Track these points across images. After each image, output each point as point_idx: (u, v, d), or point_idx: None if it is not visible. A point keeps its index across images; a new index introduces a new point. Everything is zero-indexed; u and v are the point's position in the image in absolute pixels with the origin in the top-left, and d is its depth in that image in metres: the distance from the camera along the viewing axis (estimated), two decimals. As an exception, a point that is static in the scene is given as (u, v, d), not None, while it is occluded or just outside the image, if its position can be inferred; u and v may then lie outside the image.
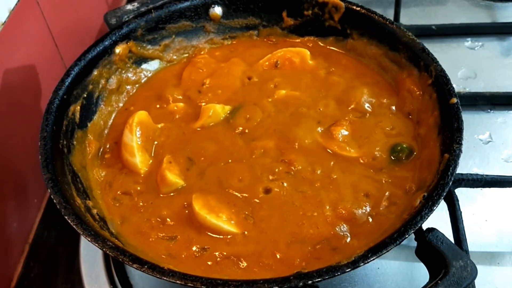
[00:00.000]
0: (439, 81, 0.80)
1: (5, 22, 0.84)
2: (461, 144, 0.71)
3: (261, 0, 0.97)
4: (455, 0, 1.24)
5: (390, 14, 1.14)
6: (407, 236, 0.63)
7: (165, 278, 0.59)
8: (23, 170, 0.91)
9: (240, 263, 0.70)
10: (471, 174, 0.81)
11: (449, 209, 0.80)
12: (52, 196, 0.67)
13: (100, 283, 0.80)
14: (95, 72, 0.86)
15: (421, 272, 0.77)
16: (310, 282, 0.59)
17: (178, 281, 0.59)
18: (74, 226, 0.64)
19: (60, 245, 0.90)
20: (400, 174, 0.78)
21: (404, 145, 0.81)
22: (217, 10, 0.97)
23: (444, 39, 1.13)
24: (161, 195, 0.77)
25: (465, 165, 0.91)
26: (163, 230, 0.73)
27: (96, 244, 0.62)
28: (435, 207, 0.66)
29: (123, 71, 0.91)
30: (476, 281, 0.72)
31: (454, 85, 1.01)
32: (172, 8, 0.94)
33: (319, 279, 0.59)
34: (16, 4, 0.87)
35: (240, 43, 1.00)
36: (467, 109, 0.98)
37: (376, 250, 0.62)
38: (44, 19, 0.97)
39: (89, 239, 0.63)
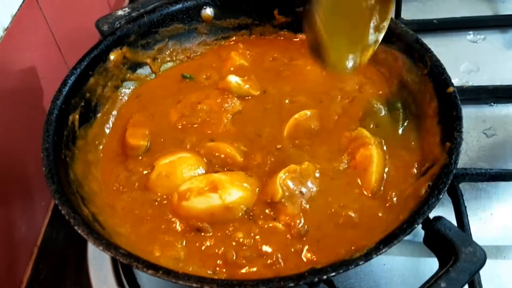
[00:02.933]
0: (435, 71, 0.80)
1: (8, 27, 0.85)
2: (461, 132, 0.71)
3: (252, 0, 0.98)
4: (456, -6, 1.24)
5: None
6: (416, 226, 0.63)
7: (181, 282, 0.60)
8: (29, 174, 0.92)
9: None
10: (475, 169, 0.81)
11: (453, 204, 0.80)
12: (60, 208, 0.67)
13: (108, 284, 0.81)
14: (91, 80, 0.86)
15: (427, 267, 0.78)
16: (325, 277, 0.59)
17: (194, 284, 0.59)
18: (85, 236, 0.64)
19: (68, 247, 0.90)
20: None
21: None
22: (209, 11, 0.97)
23: (446, 33, 1.13)
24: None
25: (469, 159, 0.91)
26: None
27: (109, 253, 0.63)
28: (441, 196, 0.66)
29: (119, 78, 0.92)
30: (482, 275, 0.73)
31: (456, 79, 1.03)
32: (164, 11, 0.94)
33: (334, 274, 0.60)
34: (18, 9, 0.87)
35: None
36: (471, 102, 0.98)
37: (387, 241, 0.62)
38: (47, 23, 0.97)
39: (101, 248, 0.63)
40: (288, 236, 0.72)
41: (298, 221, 0.73)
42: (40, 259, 0.90)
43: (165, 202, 0.77)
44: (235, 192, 0.74)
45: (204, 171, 0.79)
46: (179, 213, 0.75)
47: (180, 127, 0.87)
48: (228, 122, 0.87)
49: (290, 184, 0.75)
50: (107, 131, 0.88)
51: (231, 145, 0.82)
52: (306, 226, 0.72)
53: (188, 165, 0.79)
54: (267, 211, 0.75)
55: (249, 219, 0.74)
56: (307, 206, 0.74)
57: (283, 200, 0.73)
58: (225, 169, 0.80)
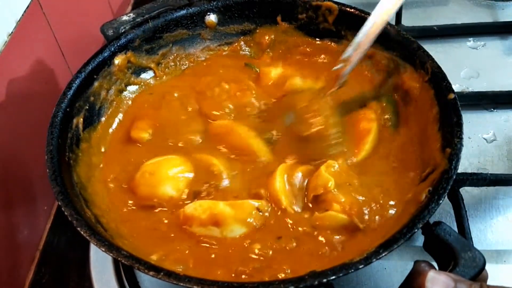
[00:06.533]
0: (436, 78, 0.81)
1: (12, 32, 0.86)
2: (461, 138, 0.72)
3: (256, 6, 0.98)
4: (457, 0, 1.24)
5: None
6: (415, 230, 0.64)
7: (182, 284, 0.60)
8: (33, 178, 0.93)
9: None
10: (475, 173, 0.82)
11: (454, 209, 0.80)
12: (63, 209, 0.67)
13: (110, 287, 0.81)
14: (96, 84, 0.87)
15: (428, 271, 0.78)
16: (325, 280, 0.60)
17: (195, 286, 0.59)
18: (87, 237, 0.65)
19: (71, 251, 0.91)
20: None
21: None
22: (213, 18, 0.98)
23: (446, 40, 1.14)
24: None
25: (469, 164, 0.92)
26: None
27: (111, 254, 0.63)
28: (441, 201, 0.66)
29: (123, 82, 0.92)
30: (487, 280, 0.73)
31: (457, 85, 1.04)
32: (169, 17, 0.95)
33: (334, 277, 0.60)
34: (22, 15, 0.88)
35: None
36: (471, 108, 0.99)
37: (387, 245, 0.63)
38: (51, 28, 0.98)
39: (103, 249, 0.63)
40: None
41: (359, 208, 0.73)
42: (42, 263, 0.91)
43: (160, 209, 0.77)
44: (237, 229, 0.73)
45: (191, 174, 0.79)
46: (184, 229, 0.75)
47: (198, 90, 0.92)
48: (233, 112, 0.89)
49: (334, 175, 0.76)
50: (112, 134, 0.89)
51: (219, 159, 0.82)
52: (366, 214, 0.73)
53: (173, 166, 0.79)
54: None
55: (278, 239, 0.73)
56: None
57: (334, 190, 0.74)
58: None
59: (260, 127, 0.86)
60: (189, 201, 0.77)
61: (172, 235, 0.74)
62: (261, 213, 0.74)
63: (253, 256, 0.71)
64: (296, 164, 0.80)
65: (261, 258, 0.70)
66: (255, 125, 0.87)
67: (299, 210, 0.76)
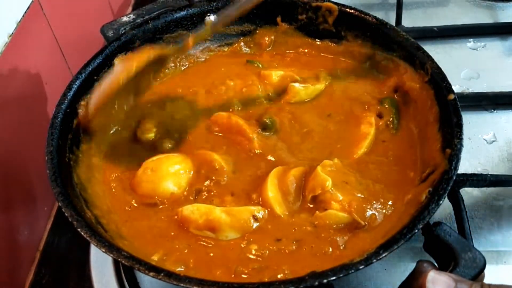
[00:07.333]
0: (436, 79, 0.81)
1: (12, 33, 0.86)
2: (461, 138, 0.72)
3: (256, 7, 0.98)
4: (457, 1, 1.24)
5: (392, 17, 1.15)
6: (416, 231, 0.64)
7: (182, 285, 0.60)
8: (33, 179, 0.93)
9: None
10: (475, 174, 0.82)
11: (454, 209, 0.80)
12: (63, 210, 0.67)
13: (110, 288, 0.81)
14: (96, 85, 0.86)
15: (428, 272, 0.78)
16: (325, 281, 0.60)
17: (195, 287, 0.60)
18: (88, 238, 0.65)
19: (71, 251, 0.91)
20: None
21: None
22: (213, 18, 0.97)
23: (446, 41, 1.14)
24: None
25: (470, 165, 0.92)
26: None
27: (111, 255, 0.63)
28: (441, 202, 0.67)
29: None
30: (483, 280, 0.73)
31: (457, 86, 1.04)
32: (169, 18, 0.95)
33: (334, 278, 0.60)
34: (23, 16, 0.88)
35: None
36: (471, 109, 0.99)
37: (387, 246, 0.63)
38: (51, 29, 0.98)
39: (103, 250, 0.63)
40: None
41: (358, 205, 0.73)
42: (42, 263, 0.91)
43: (162, 207, 0.77)
44: (232, 235, 0.73)
45: (192, 171, 0.80)
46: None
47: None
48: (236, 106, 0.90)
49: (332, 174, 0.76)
50: (113, 134, 0.88)
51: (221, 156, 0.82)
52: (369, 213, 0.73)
53: (175, 163, 0.80)
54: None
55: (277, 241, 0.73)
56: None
57: (331, 189, 0.74)
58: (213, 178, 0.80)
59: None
60: (191, 198, 0.78)
61: (172, 233, 0.74)
62: (257, 223, 0.74)
63: (251, 256, 0.71)
64: (288, 167, 0.79)
65: (259, 258, 0.71)
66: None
67: (297, 212, 0.76)
